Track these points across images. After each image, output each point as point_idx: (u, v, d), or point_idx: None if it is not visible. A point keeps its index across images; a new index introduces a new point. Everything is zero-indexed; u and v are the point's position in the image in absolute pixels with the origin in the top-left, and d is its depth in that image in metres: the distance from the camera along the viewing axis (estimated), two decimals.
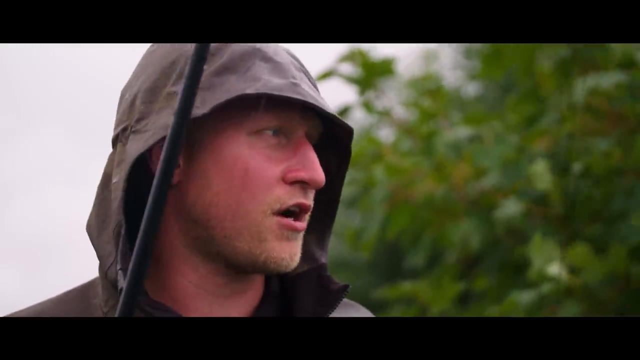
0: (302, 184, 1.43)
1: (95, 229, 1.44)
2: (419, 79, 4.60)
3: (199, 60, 1.19)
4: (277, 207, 1.42)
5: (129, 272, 1.21)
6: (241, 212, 1.41)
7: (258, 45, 1.44)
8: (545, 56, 3.86)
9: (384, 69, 4.08)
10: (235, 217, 1.41)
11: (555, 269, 3.28)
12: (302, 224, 1.44)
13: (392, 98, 4.49)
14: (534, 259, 3.34)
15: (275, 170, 1.42)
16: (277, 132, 1.43)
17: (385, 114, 4.22)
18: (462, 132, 3.95)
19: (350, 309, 1.56)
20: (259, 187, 1.41)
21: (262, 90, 1.39)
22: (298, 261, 1.45)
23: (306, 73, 1.48)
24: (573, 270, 3.34)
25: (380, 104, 4.19)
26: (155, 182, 1.20)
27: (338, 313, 1.50)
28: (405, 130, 4.19)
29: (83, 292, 1.49)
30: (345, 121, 1.47)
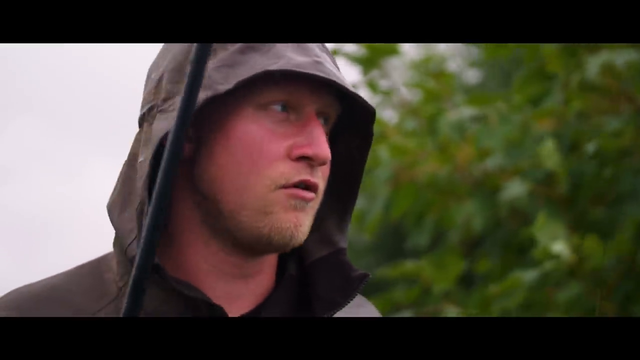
0: (309, 161, 1.42)
1: (118, 206, 1.44)
2: (423, 61, 4.59)
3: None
4: (282, 182, 1.41)
5: (139, 246, 1.23)
6: (245, 186, 1.41)
7: None
8: None
9: (389, 48, 4.06)
10: (240, 191, 1.41)
11: (559, 246, 3.26)
12: (311, 194, 1.43)
13: (397, 78, 4.48)
14: (538, 238, 3.32)
15: (280, 145, 1.41)
16: (285, 108, 1.42)
17: (389, 94, 4.20)
18: (466, 112, 3.94)
19: (361, 310, 1.54)
20: (263, 161, 1.41)
21: (285, 67, 1.38)
22: (305, 233, 1.43)
23: (328, 53, 1.47)
24: (577, 250, 3.33)
25: (384, 84, 4.17)
26: (164, 155, 1.23)
27: (348, 313, 1.49)
28: (410, 110, 4.18)
29: (94, 266, 1.49)
30: (367, 101, 1.45)
